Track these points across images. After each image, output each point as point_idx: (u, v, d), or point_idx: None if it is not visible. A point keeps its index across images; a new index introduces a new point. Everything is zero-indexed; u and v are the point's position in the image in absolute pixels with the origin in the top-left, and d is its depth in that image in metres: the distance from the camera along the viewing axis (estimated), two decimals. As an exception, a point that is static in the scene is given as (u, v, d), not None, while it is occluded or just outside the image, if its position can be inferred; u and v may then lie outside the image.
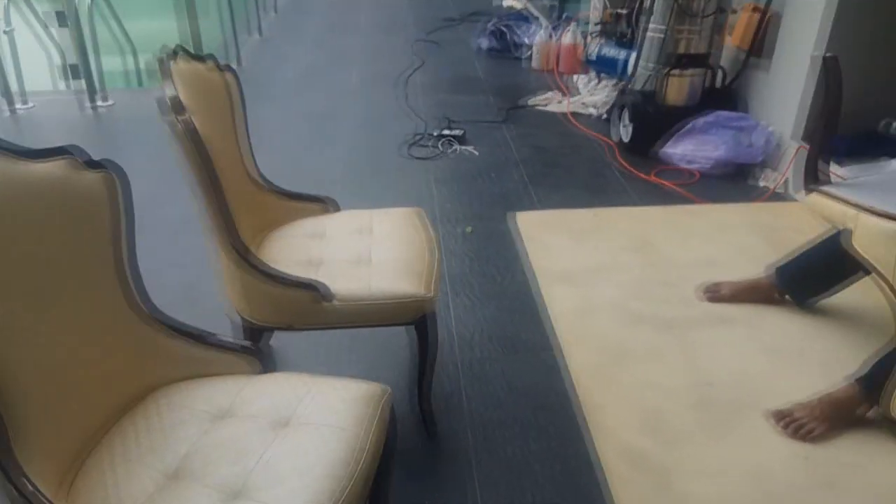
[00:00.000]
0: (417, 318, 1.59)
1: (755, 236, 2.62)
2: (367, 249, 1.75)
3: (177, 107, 1.40)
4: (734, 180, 3.16)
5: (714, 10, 3.22)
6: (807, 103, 2.93)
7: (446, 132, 3.66)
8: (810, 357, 1.98)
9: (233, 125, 1.73)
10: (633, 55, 3.61)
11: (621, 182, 3.17)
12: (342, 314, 1.55)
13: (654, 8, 3.30)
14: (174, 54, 1.53)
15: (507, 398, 1.87)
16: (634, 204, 2.96)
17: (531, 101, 4.22)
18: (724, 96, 3.44)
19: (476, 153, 3.51)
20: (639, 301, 2.25)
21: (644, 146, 3.39)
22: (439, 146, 3.56)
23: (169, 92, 1.42)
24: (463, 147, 3.56)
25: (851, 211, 1.70)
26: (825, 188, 1.83)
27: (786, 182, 3.05)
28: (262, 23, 6.20)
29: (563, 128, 3.86)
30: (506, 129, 3.84)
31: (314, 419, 1.17)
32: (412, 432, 1.73)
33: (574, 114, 4.03)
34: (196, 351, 1.29)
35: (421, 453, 1.70)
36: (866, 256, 1.66)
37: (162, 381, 1.27)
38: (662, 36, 3.31)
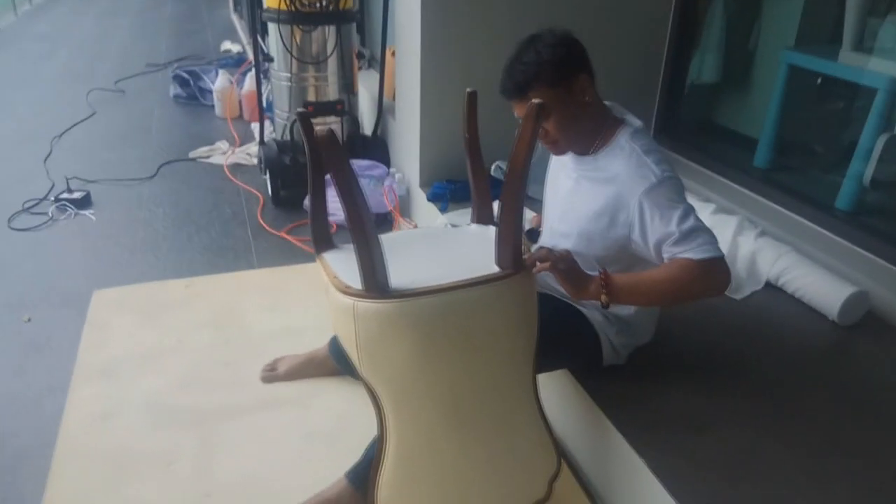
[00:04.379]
0: None
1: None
2: None
3: None
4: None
5: (332, 54, 3.07)
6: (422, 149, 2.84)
7: (65, 196, 3.18)
8: (348, 438, 1.76)
9: None
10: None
11: (249, 242, 2.89)
12: None
13: (275, 54, 3.10)
14: None
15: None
16: (252, 266, 2.68)
17: (193, 154, 3.86)
18: (371, 145, 3.32)
19: (93, 218, 3.07)
20: (184, 392, 1.93)
21: (289, 199, 3.16)
22: (50, 213, 3.07)
23: None
24: (81, 212, 3.10)
25: (327, 280, 1.50)
26: (325, 254, 1.64)
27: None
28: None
29: (218, 182, 3.53)
30: (149, 188, 3.43)
31: None
32: None
33: (236, 165, 3.73)
34: None
35: None
36: (336, 330, 1.46)
37: None
38: (288, 84, 3.12)
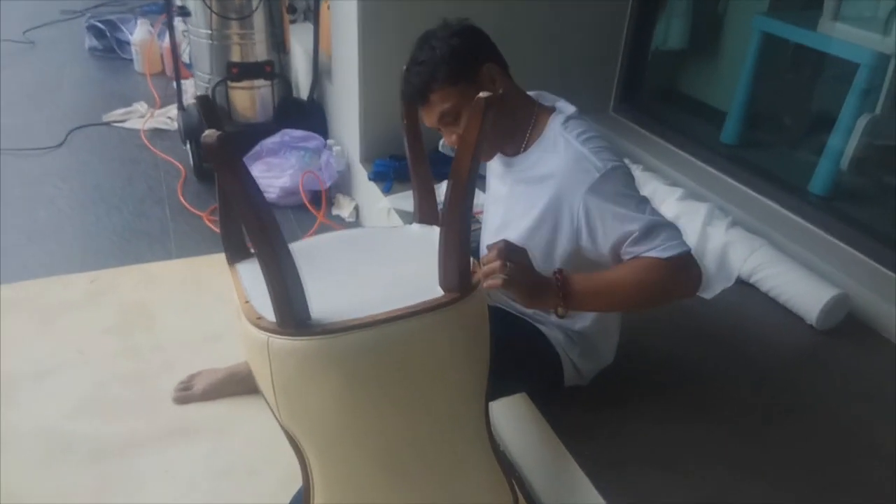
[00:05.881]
0: None
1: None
2: None
3: None
4: (307, 210, 2.71)
5: (258, 8, 2.72)
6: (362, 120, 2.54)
7: (-45, 170, 2.80)
8: (272, 475, 1.54)
9: None
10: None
11: (167, 224, 2.57)
12: None
13: (192, 7, 2.73)
14: None
15: None
16: (169, 254, 2.38)
17: (107, 118, 3.46)
18: (306, 111, 3.00)
19: (-12, 197, 2.70)
20: (82, 418, 1.66)
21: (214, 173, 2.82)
22: (-65, 191, 2.69)
23: None
24: (-26, 190, 2.73)
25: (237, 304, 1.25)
26: (238, 265, 1.37)
27: (356, 210, 2.68)
28: None
29: (134, 151, 3.17)
30: (55, 159, 3.05)
31: None
32: None
33: (155, 131, 3.35)
34: None
35: None
36: (250, 366, 1.22)
37: None
38: (209, 42, 2.76)
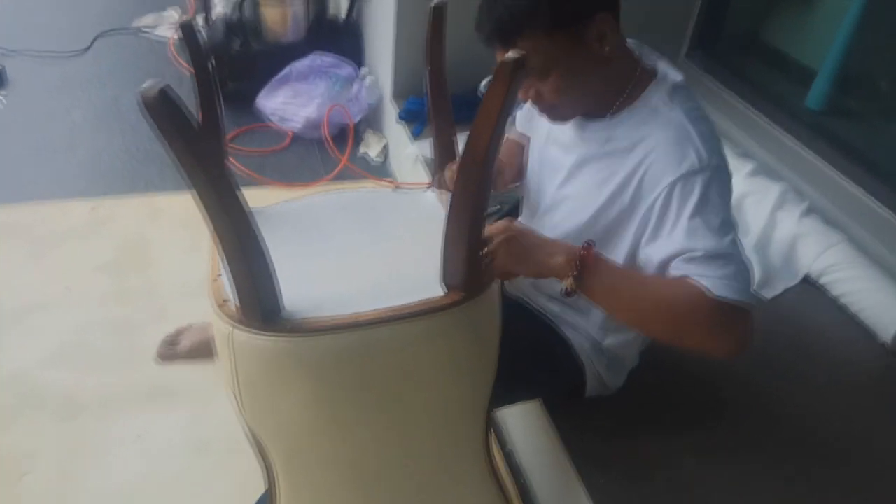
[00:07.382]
0: None
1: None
2: None
3: None
4: (334, 143, 2.50)
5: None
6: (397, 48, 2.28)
7: (-28, 70, 2.65)
8: (248, 456, 1.39)
9: None
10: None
11: (183, 149, 2.39)
12: None
13: None
14: None
15: None
16: (179, 185, 2.19)
17: (137, 23, 3.26)
18: (341, 33, 2.73)
19: (3, 102, 2.55)
20: (59, 367, 1.54)
21: (238, 94, 2.62)
22: (-50, 93, 2.56)
23: None
24: (-10, 93, 2.59)
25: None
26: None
27: (385, 150, 2.45)
28: None
29: (160, 63, 2.97)
30: (77, 66, 2.88)
31: None
32: None
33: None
34: None
35: None
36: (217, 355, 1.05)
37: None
38: (236, -54, 2.50)
